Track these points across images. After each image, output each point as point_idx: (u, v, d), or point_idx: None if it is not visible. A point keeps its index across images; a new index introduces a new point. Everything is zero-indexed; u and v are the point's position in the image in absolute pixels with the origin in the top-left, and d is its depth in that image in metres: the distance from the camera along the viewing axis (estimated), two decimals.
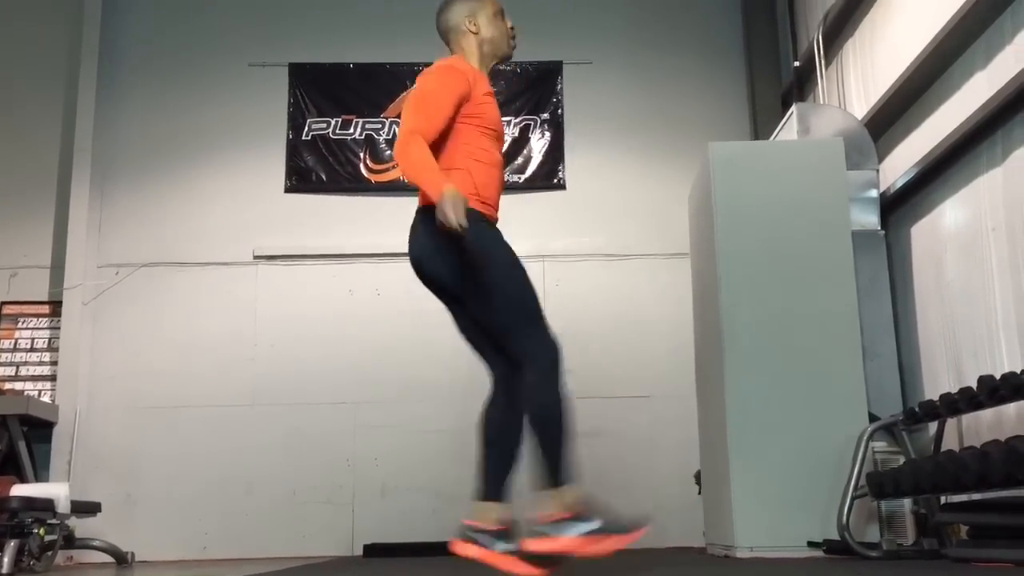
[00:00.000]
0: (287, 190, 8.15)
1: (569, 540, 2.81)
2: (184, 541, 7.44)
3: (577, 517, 2.85)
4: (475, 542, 2.89)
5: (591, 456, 7.43)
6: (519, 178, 8.02)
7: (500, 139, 3.25)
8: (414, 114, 3.00)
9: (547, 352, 2.95)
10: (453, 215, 2.76)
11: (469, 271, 2.99)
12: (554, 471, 2.90)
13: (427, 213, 3.05)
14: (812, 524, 4.75)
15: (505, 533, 2.92)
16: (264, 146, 8.19)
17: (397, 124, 8.20)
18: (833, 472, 4.79)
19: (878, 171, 5.96)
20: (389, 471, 7.59)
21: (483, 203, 3.10)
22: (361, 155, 8.16)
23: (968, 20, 4.83)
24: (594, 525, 2.83)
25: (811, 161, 5.31)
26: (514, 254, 3.06)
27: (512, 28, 3.40)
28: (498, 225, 3.23)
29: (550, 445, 2.90)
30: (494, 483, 3.00)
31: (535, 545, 2.84)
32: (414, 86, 3.19)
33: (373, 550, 7.17)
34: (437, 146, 3.05)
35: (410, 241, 3.13)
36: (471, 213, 2.94)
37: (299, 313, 7.91)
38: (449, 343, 7.63)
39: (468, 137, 3.11)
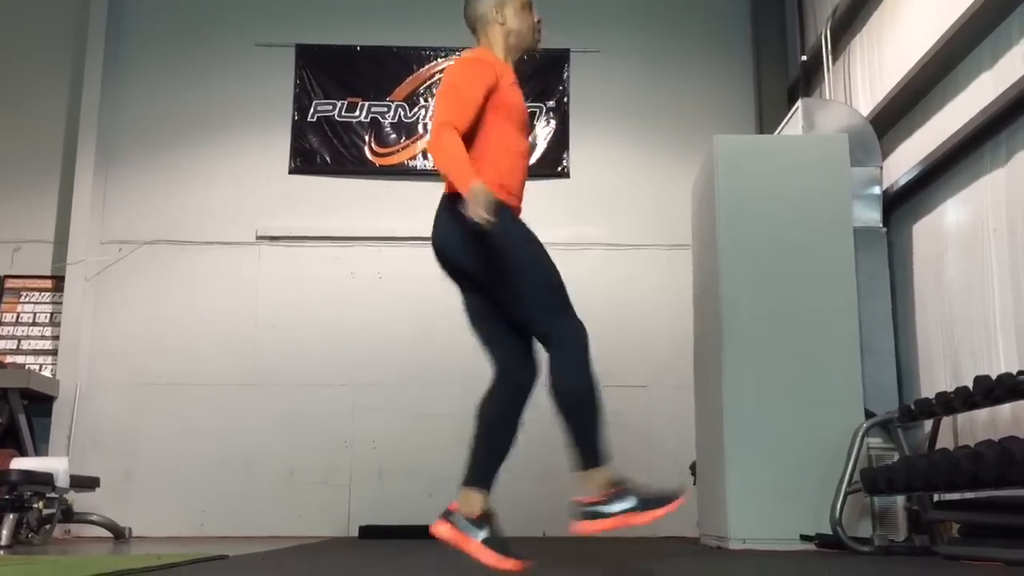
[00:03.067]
0: (291, 171, 8.16)
1: (610, 521, 2.86)
2: (181, 518, 7.49)
3: (613, 497, 2.88)
4: (454, 526, 2.93)
5: None
6: None
7: (525, 128, 3.31)
8: (445, 106, 3.04)
9: (575, 336, 3.00)
10: (481, 211, 2.81)
11: (494, 261, 3.03)
12: (587, 453, 2.95)
13: (453, 200, 3.09)
14: (805, 518, 4.79)
15: (483, 522, 2.94)
16: (269, 127, 8.19)
17: (403, 108, 8.21)
18: (827, 467, 4.82)
19: (881, 168, 5.97)
20: (386, 454, 7.64)
21: (508, 193, 3.13)
22: (366, 138, 8.17)
23: (976, 20, 4.83)
24: (631, 503, 2.86)
25: (815, 157, 5.33)
26: (538, 243, 3.10)
27: (538, 21, 3.43)
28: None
29: (582, 427, 2.95)
30: (483, 472, 3.02)
31: (581, 527, 2.89)
32: (442, 79, 3.21)
33: (368, 531, 7.22)
34: (468, 137, 3.09)
35: (434, 226, 3.16)
36: (496, 204, 3.00)
37: (301, 295, 7.93)
38: (449, 328, 7.69)
39: (495, 127, 3.15)
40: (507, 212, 3.08)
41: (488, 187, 2.88)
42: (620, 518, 2.86)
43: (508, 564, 2.85)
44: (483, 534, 2.90)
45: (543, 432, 6.90)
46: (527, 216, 3.35)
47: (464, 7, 3.41)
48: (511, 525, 7.37)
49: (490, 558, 2.87)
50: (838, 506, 4.61)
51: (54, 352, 7.79)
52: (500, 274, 3.04)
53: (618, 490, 2.90)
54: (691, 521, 6.32)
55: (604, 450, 2.96)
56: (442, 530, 2.95)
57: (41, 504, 5.92)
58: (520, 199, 3.25)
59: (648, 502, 2.87)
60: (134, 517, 7.13)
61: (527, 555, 2.90)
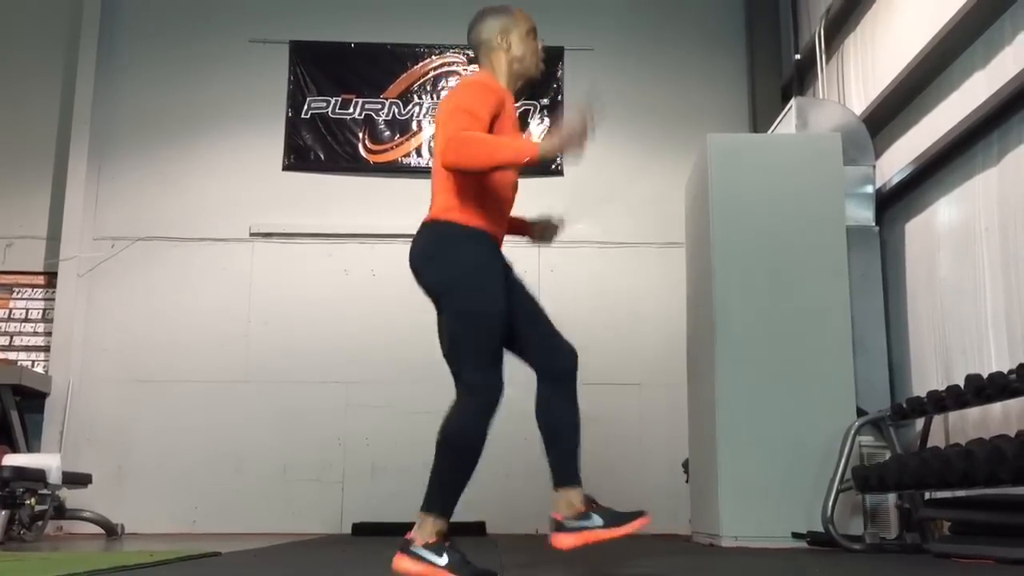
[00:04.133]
0: (285, 168, 8.15)
1: (425, 567, 2.83)
2: (174, 514, 7.48)
3: (429, 547, 2.86)
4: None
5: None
6: None
7: None
8: (456, 124, 2.94)
9: (485, 392, 2.97)
10: (579, 137, 2.79)
11: (441, 293, 3.08)
12: (426, 502, 2.97)
13: (429, 225, 3.08)
14: (797, 515, 4.80)
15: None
16: (263, 123, 8.18)
17: (397, 105, 8.20)
18: (819, 465, 4.83)
19: (874, 167, 5.99)
20: (379, 451, 7.64)
21: (489, 222, 3.08)
22: (360, 135, 8.16)
23: (969, 20, 4.85)
24: (442, 560, 2.83)
25: (808, 155, 5.34)
26: (491, 288, 3.04)
27: (542, 48, 3.39)
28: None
29: (434, 475, 3.00)
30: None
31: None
32: (444, 101, 3.15)
33: (361, 528, 7.22)
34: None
35: (411, 248, 3.16)
36: (473, 232, 3.01)
37: (294, 291, 7.93)
38: None
39: None
40: (480, 247, 3.05)
41: (474, 215, 2.93)
42: (427, 568, 2.83)
43: None
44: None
45: (536, 431, 6.90)
46: (522, 214, 3.34)
47: (468, 31, 3.38)
48: (503, 523, 7.43)
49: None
50: (830, 504, 4.62)
51: (46, 348, 7.78)
52: (440, 309, 3.11)
53: (441, 542, 2.88)
54: (684, 518, 6.34)
55: (445, 505, 2.96)
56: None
57: (33, 501, 5.90)
58: (503, 228, 3.20)
59: (464, 568, 2.82)
60: (127, 514, 7.12)
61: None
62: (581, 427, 3.13)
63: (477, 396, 2.98)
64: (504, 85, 3.22)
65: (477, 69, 3.36)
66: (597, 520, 2.91)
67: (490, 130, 3.02)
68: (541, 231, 3.43)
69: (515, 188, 3.24)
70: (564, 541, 2.93)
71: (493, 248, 3.12)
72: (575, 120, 2.81)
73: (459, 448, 2.98)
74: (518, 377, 3.35)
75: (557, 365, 3.16)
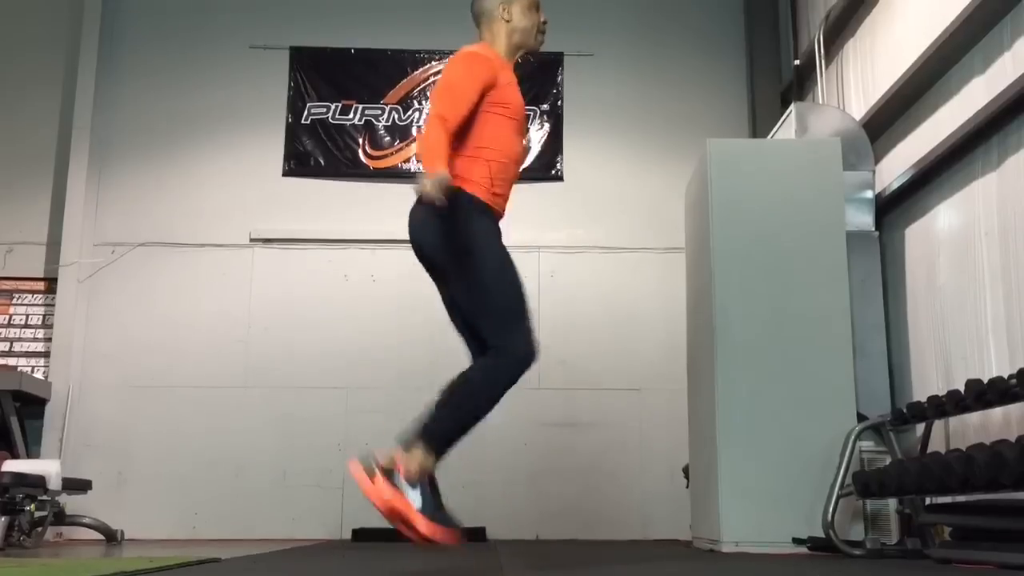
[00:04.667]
0: (285, 174, 8.16)
1: (394, 500, 2.76)
2: (174, 520, 7.47)
3: (415, 482, 2.82)
4: (398, 489, 2.81)
5: (580, 448, 7.50)
6: None
7: (523, 129, 3.32)
8: (440, 100, 3.07)
9: (516, 356, 2.98)
10: (431, 190, 2.82)
11: (458, 255, 3.06)
12: (429, 430, 2.90)
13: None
14: (798, 521, 4.79)
15: (424, 485, 2.85)
16: (263, 129, 8.19)
17: (397, 111, 8.22)
18: (820, 470, 4.83)
19: (874, 172, 5.99)
20: None
21: (494, 195, 3.14)
22: (360, 141, 8.17)
23: (968, 25, 4.85)
24: (420, 502, 2.78)
25: (808, 161, 5.34)
26: (506, 252, 3.09)
27: (544, 22, 3.44)
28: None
29: (448, 414, 2.93)
30: (443, 436, 2.93)
31: (362, 478, 2.81)
32: (442, 72, 3.22)
33: (362, 535, 7.21)
34: (464, 132, 3.12)
35: (410, 219, 3.19)
36: (479, 204, 3.02)
37: (294, 297, 7.93)
38: (443, 331, 7.67)
39: (492, 126, 3.16)
40: (485, 216, 3.10)
41: (448, 177, 2.90)
42: (403, 503, 2.77)
43: (444, 537, 2.79)
44: (420, 501, 2.80)
45: (536, 436, 6.90)
46: (522, 219, 3.36)
47: (471, 2, 3.43)
48: (504, 528, 7.40)
49: (425, 527, 2.77)
50: (830, 509, 4.62)
51: (46, 354, 7.78)
52: (460, 273, 3.07)
53: (423, 480, 2.84)
54: (684, 524, 6.33)
55: (443, 444, 2.91)
56: (382, 489, 2.79)
57: (33, 507, 5.90)
58: (506, 201, 3.26)
59: (436, 515, 2.79)
60: (126, 520, 7.11)
61: (458, 524, 2.82)
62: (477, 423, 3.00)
63: (503, 358, 2.99)
64: (502, 55, 3.28)
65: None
66: (418, 499, 2.80)
67: (480, 99, 3.11)
68: None
69: (519, 163, 3.28)
70: (381, 489, 2.79)
71: (495, 221, 3.17)
72: (435, 187, 2.84)
73: (475, 404, 2.96)
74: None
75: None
